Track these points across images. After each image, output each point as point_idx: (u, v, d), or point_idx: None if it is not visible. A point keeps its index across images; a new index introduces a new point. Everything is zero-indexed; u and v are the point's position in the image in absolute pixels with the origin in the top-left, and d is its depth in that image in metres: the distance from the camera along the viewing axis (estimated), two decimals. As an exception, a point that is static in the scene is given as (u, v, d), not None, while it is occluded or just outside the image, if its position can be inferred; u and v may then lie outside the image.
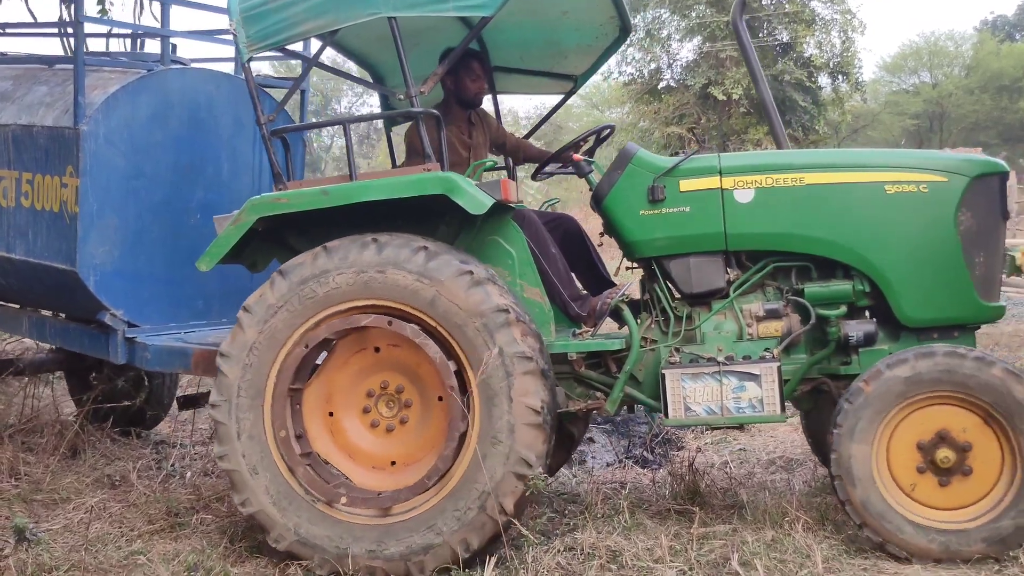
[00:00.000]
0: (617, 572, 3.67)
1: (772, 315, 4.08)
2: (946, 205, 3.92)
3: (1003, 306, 4.09)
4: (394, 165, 4.98)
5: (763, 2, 28.11)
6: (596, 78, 42.42)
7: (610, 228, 4.26)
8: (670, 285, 4.18)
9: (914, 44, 46.56)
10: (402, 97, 3.93)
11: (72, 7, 4.76)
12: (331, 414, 3.92)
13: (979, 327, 4.09)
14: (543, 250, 4.23)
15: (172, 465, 5.19)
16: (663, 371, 3.95)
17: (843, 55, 28.07)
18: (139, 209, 4.68)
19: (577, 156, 4.46)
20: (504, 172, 5.31)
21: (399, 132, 5.31)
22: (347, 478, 3.85)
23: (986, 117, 41.18)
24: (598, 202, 4.21)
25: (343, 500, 3.72)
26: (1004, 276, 4.19)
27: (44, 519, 4.32)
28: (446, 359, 3.67)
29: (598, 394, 4.20)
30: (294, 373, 3.75)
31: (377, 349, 3.89)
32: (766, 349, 4.03)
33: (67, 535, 4.14)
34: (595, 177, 4.39)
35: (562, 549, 3.84)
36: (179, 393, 6.03)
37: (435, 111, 3.99)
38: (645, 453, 5.77)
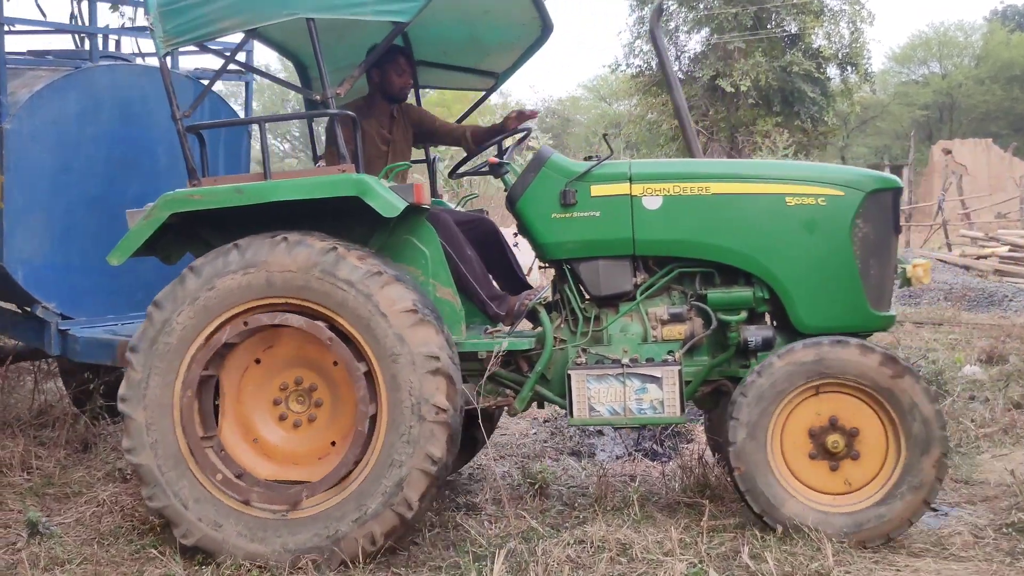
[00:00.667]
0: (627, 565, 3.66)
1: (676, 319, 4.18)
2: (842, 218, 4.05)
3: (893, 316, 4.25)
4: (315, 160, 5.00)
5: (771, -7, 27.93)
6: (603, 70, 42.43)
7: (523, 229, 4.31)
8: (580, 287, 4.25)
9: (923, 34, 46.36)
10: (318, 97, 3.96)
11: None
12: (242, 407, 3.94)
13: (871, 335, 4.21)
14: (458, 251, 4.30)
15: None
16: (569, 371, 4.05)
17: (852, 46, 27.94)
18: (69, 204, 4.72)
19: (492, 159, 4.53)
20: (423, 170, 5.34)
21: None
22: (254, 472, 3.85)
23: (996, 107, 40.96)
24: (512, 203, 4.26)
25: (252, 496, 3.74)
26: (896, 287, 4.42)
27: (56, 513, 4.34)
28: (355, 359, 3.70)
29: (508, 392, 4.26)
30: (203, 367, 3.77)
31: (269, 347, 3.92)
32: (669, 352, 4.13)
33: (79, 529, 4.16)
34: (511, 179, 4.38)
35: (572, 542, 3.84)
36: None
37: (351, 112, 4.03)
38: (655, 446, 5.77)
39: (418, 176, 5.20)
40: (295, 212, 3.84)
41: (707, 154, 29.59)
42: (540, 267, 4.51)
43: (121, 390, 3.80)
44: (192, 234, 4.08)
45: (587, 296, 4.26)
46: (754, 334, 4.06)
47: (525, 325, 4.41)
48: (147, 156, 5.01)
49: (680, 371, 4.00)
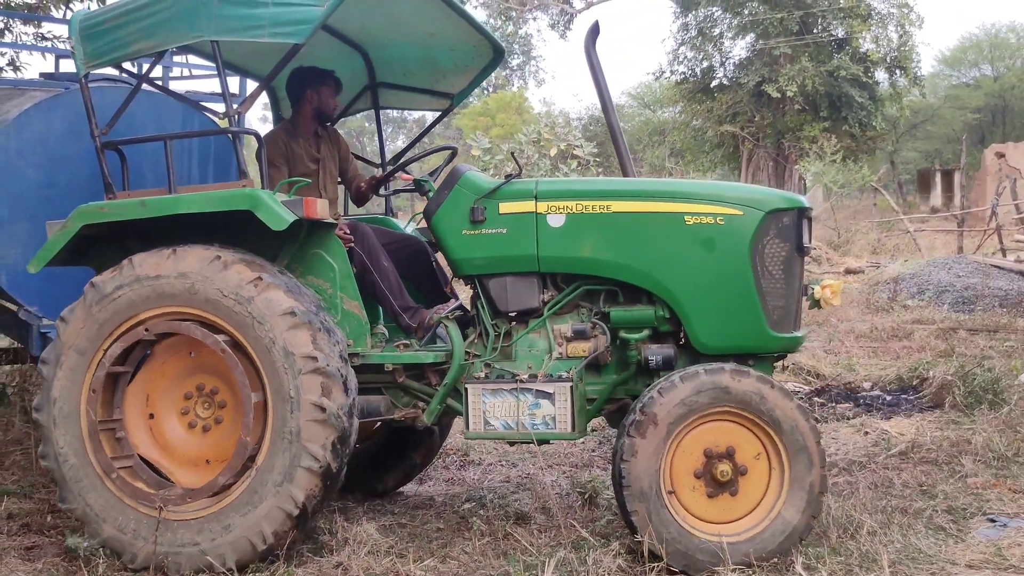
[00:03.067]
0: (679, 575, 3.63)
1: (580, 336, 4.17)
2: (740, 237, 4.00)
3: (799, 337, 4.16)
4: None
5: (817, -3, 27.64)
6: (647, 77, 42.29)
7: (437, 245, 4.39)
8: (490, 302, 4.28)
9: (974, 36, 45.44)
10: (222, 116, 4.17)
11: None
12: (151, 416, 4.09)
13: (775, 357, 4.18)
14: (374, 262, 4.38)
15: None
16: (466, 385, 4.10)
17: (900, 49, 27.51)
18: (54, 216, 4.84)
19: (405, 176, 4.64)
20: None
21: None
22: (167, 476, 4.01)
23: (1051, 110, 39.99)
24: (428, 219, 4.34)
25: (162, 499, 3.88)
26: (806, 307, 4.32)
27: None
28: (237, 361, 3.83)
29: (419, 404, 4.30)
30: (105, 378, 3.94)
31: (191, 353, 4.07)
32: (571, 368, 4.10)
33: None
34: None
35: (622, 551, 3.81)
36: None
37: (254, 131, 4.23)
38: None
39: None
40: (212, 226, 4.01)
41: (752, 161, 29.39)
42: (458, 281, 4.61)
43: (36, 401, 4.05)
44: (123, 246, 4.24)
45: (494, 312, 4.28)
46: (655, 353, 4.03)
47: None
48: (129, 174, 5.18)
49: (572, 388, 3.98)
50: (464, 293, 4.76)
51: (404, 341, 4.33)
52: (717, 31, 29.69)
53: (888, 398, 7.14)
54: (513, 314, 4.22)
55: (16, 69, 7.02)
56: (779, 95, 26.26)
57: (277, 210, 3.83)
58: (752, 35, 28.58)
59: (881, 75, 28.53)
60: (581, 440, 6.27)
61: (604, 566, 3.63)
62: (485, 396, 4.05)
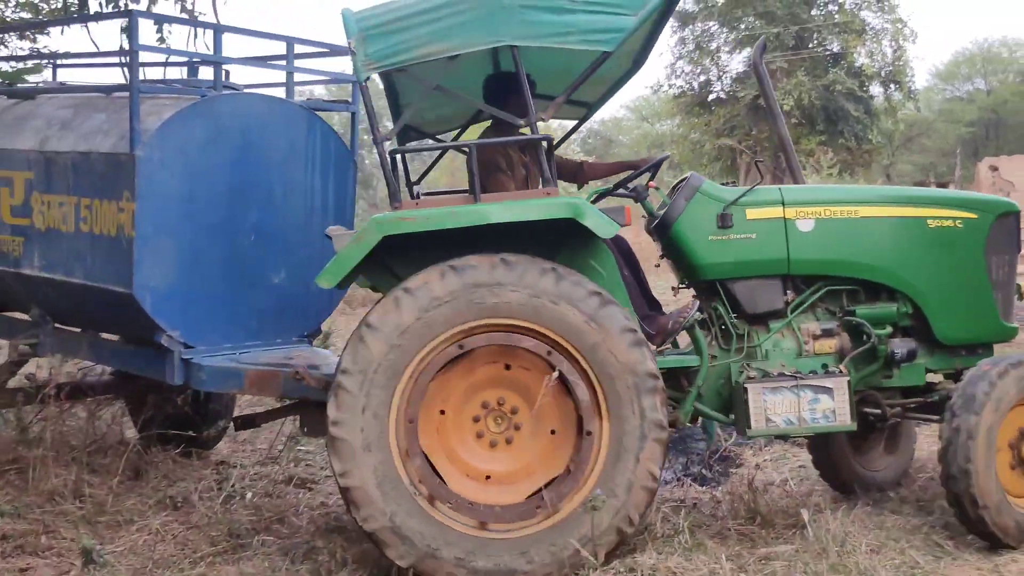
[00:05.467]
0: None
1: (827, 334, 4.42)
2: (976, 239, 4.47)
3: (1017, 327, 4.59)
4: (410, 187, 5.01)
5: (813, 13, 27.83)
6: (645, 91, 42.39)
7: (675, 252, 4.48)
8: (733, 305, 4.43)
9: (967, 51, 45.83)
10: (522, 123, 4.06)
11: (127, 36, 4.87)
12: (442, 412, 3.96)
13: (994, 345, 4.56)
14: (620, 272, 4.35)
15: (232, 486, 5.25)
16: (745, 385, 4.21)
17: (895, 64, 27.70)
18: (194, 232, 4.72)
19: (651, 184, 4.67)
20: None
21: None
22: (443, 480, 3.89)
23: (1044, 123, 40.19)
24: (665, 227, 4.42)
25: (446, 503, 3.79)
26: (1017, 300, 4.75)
27: (109, 541, 4.39)
28: (593, 405, 3.82)
29: (674, 407, 4.31)
30: (423, 388, 3.82)
31: (508, 367, 3.96)
32: (823, 365, 4.35)
33: (131, 557, 4.19)
34: (652, 202, 4.61)
35: (623, 570, 3.81)
36: (236, 412, 6.11)
37: (549, 136, 4.16)
38: (703, 471, 5.70)
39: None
40: (472, 234, 3.87)
41: (750, 174, 29.46)
42: (673, 288, 4.78)
43: (332, 413, 3.76)
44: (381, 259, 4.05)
45: (735, 314, 4.44)
46: (900, 346, 4.33)
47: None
48: (264, 186, 5.01)
49: (849, 382, 4.21)
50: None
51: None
52: (714, 45, 29.88)
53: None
54: (753, 316, 4.42)
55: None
56: (775, 109, 26.37)
57: (601, 219, 3.85)
58: (749, 49, 28.71)
59: (876, 89, 28.71)
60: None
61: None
62: (765, 395, 4.19)
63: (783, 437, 4.66)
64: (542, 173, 4.03)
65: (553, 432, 3.95)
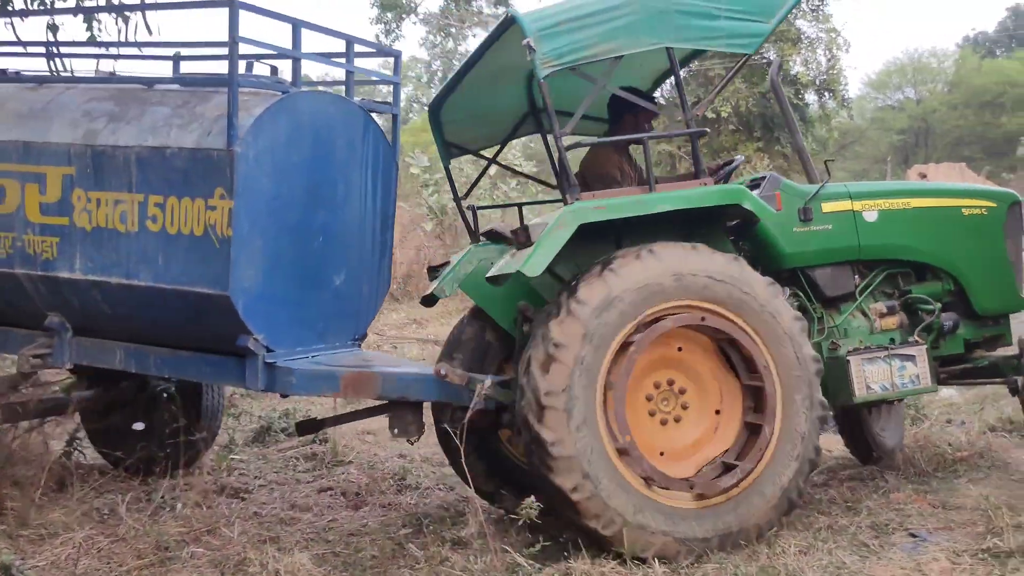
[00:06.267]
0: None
1: (891, 312, 4.99)
2: (997, 224, 5.17)
3: None
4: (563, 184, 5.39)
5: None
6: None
7: (757, 244, 4.85)
8: (813, 290, 4.90)
9: (898, 61, 47.04)
10: (679, 119, 4.54)
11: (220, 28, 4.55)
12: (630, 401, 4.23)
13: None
14: None
15: (162, 496, 5.14)
16: (848, 358, 4.71)
17: (829, 73, 28.26)
18: (278, 232, 4.55)
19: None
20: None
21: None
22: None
23: (969, 132, 41.52)
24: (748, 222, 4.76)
25: (659, 484, 4.07)
26: None
27: (31, 555, 4.27)
28: (771, 387, 4.23)
29: None
30: (630, 361, 4.07)
31: (680, 348, 4.32)
32: (891, 339, 4.92)
33: (54, 572, 4.09)
34: None
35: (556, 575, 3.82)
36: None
37: (705, 131, 4.62)
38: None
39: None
40: (626, 222, 4.29)
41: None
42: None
43: (544, 385, 3.99)
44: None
45: (814, 298, 4.90)
46: (948, 319, 4.99)
47: None
48: (330, 185, 4.86)
49: (927, 349, 4.83)
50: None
51: None
52: (652, 53, 30.10)
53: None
54: (828, 299, 4.90)
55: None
56: (714, 116, 26.74)
57: (761, 203, 4.43)
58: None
59: (811, 97, 29.25)
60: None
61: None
62: (864, 365, 4.71)
63: (879, 402, 5.19)
64: (697, 164, 4.53)
65: (718, 412, 4.36)
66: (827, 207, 4.87)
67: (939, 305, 4.99)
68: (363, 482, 5.77)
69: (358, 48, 5.16)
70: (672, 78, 4.81)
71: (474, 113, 5.55)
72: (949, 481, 5.14)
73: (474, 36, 30.30)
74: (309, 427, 5.27)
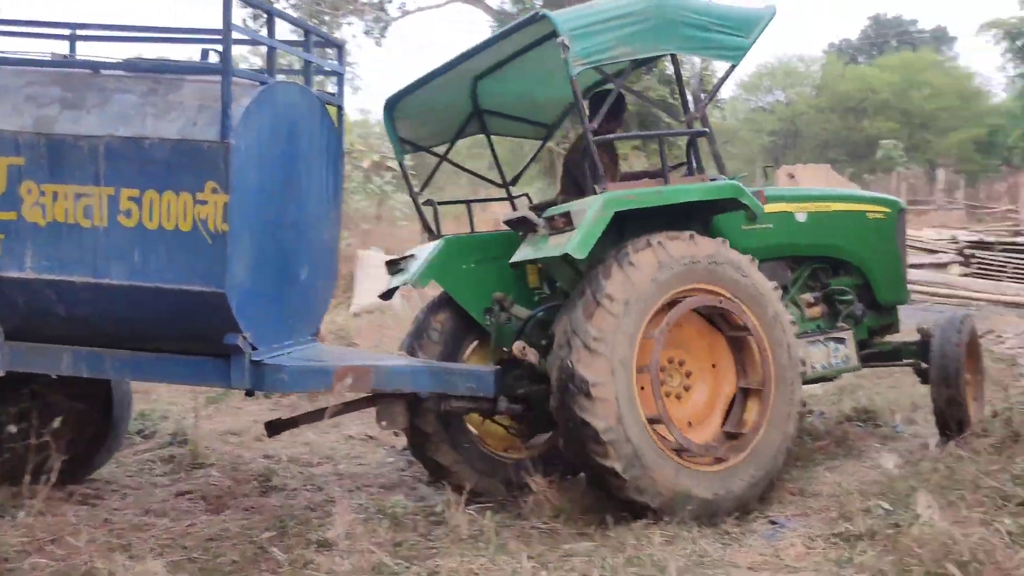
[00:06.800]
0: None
1: (816, 302, 5.67)
2: (892, 226, 6.00)
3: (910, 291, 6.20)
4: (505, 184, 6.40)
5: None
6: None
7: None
8: None
9: (769, 64, 48.82)
10: (683, 119, 5.07)
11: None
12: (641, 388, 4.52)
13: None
14: None
15: (0, 504, 4.82)
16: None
17: (703, 73, 29.11)
18: (262, 226, 4.36)
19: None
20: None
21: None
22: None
23: (835, 135, 43.51)
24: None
25: (688, 453, 4.47)
26: None
27: None
28: (764, 356, 4.72)
29: None
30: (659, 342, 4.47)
31: (680, 326, 4.68)
32: (816, 326, 5.60)
33: None
34: None
35: (424, 574, 3.76)
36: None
37: (706, 131, 4.99)
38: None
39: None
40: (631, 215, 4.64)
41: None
42: None
43: (594, 331, 4.36)
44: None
45: None
46: (857, 308, 5.66)
47: None
48: (299, 179, 4.67)
49: (853, 332, 5.61)
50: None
51: None
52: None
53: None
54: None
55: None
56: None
57: (755, 200, 4.84)
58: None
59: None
60: (391, 460, 6.21)
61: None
62: (810, 348, 5.39)
63: (819, 380, 5.84)
64: (695, 164, 5.02)
65: (714, 366, 4.83)
66: (768, 208, 5.21)
67: (852, 297, 5.65)
68: (225, 485, 5.55)
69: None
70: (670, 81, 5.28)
71: (424, 111, 5.90)
72: (808, 469, 5.33)
73: (348, 24, 29.73)
74: (279, 427, 5.18)
